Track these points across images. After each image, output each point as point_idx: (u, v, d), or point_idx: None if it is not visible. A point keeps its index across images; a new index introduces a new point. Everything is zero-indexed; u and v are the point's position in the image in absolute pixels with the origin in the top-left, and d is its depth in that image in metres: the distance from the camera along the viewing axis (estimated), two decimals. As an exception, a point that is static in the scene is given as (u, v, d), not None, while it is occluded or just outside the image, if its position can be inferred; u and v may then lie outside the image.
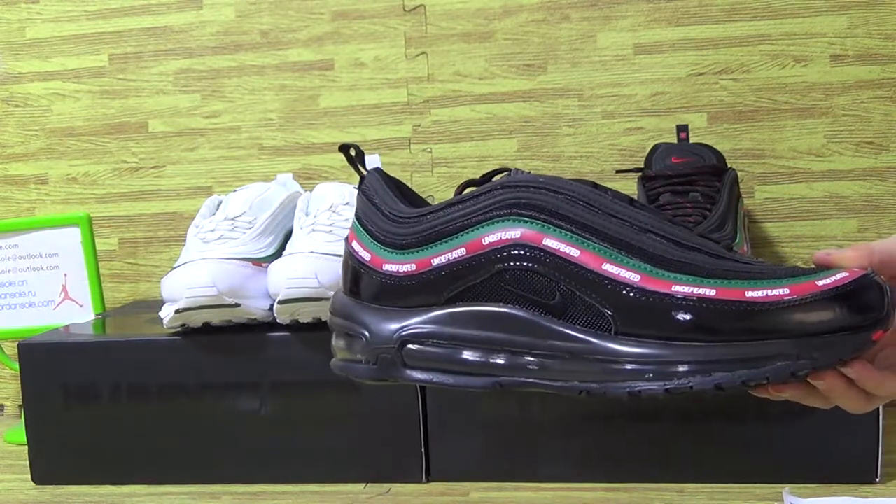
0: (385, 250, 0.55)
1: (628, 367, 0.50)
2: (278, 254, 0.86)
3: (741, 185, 0.96)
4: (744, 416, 0.78)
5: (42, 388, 0.88)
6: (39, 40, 1.13)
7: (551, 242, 0.51)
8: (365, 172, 0.58)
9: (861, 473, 0.77)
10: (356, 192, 0.92)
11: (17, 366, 0.92)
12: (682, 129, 0.96)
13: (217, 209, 0.92)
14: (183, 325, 0.84)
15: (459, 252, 0.53)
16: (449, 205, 0.55)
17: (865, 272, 0.47)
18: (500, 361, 0.52)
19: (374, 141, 1.07)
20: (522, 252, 0.52)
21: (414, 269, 0.54)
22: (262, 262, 0.85)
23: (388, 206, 0.56)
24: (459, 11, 1.04)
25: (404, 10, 1.05)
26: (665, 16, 1.01)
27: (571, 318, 0.51)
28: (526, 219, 0.52)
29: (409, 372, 0.54)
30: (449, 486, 0.83)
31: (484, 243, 0.52)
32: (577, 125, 1.03)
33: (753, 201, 1.00)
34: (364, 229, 0.56)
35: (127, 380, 0.86)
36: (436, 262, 0.53)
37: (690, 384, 0.48)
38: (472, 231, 0.53)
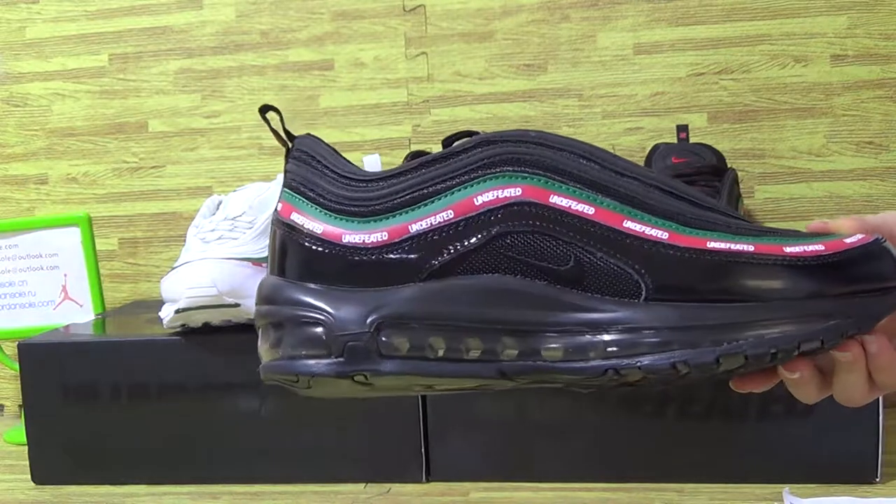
0: (342, 219, 0.46)
1: (667, 335, 0.43)
2: (278, 254, 0.86)
3: (741, 185, 0.96)
4: (744, 416, 0.78)
5: (42, 388, 0.87)
6: (39, 40, 1.12)
7: (560, 200, 0.45)
8: (289, 138, 0.50)
9: (861, 473, 0.77)
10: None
11: (17, 366, 0.92)
12: (682, 129, 0.96)
13: (217, 209, 0.92)
14: (183, 325, 0.84)
15: (446, 215, 0.45)
16: (422, 164, 0.47)
17: (876, 236, 0.45)
18: (502, 344, 0.44)
19: (374, 141, 1.07)
20: (527, 210, 0.45)
21: (385, 238, 0.45)
22: (262, 263, 0.84)
23: (340, 168, 0.48)
24: (459, 11, 1.04)
25: (404, 10, 1.05)
26: (665, 16, 1.01)
27: (591, 285, 0.44)
28: (525, 174, 0.45)
29: (385, 363, 0.45)
30: (449, 486, 0.83)
31: (476, 203, 0.45)
32: (577, 125, 1.03)
33: (753, 201, 1.00)
34: (305, 198, 0.47)
35: (127, 380, 0.86)
36: (415, 228, 0.45)
37: (745, 350, 0.43)
38: (461, 190, 0.45)
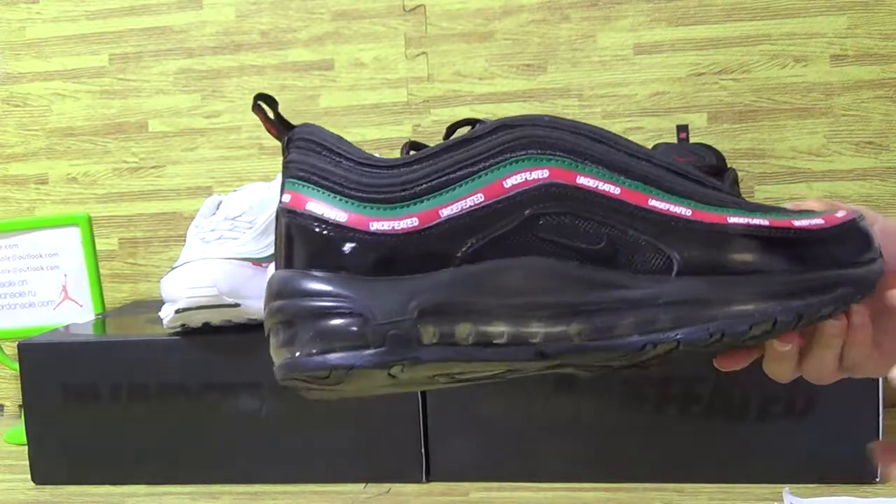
0: (368, 207, 0.45)
1: (700, 308, 0.45)
2: (278, 254, 0.86)
3: (741, 185, 0.96)
4: (744, 416, 0.78)
5: (42, 388, 0.87)
6: (39, 40, 1.12)
7: (586, 181, 0.45)
8: (286, 126, 0.48)
9: (861, 473, 0.77)
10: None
11: (17, 366, 0.92)
12: (682, 129, 0.96)
13: (217, 209, 0.92)
14: (183, 325, 0.84)
15: (476, 198, 0.44)
16: (443, 150, 0.46)
17: (857, 213, 0.48)
18: (539, 325, 0.44)
19: (374, 141, 1.07)
20: (556, 192, 0.45)
21: (416, 223, 0.44)
22: (262, 262, 0.84)
23: (355, 155, 0.47)
24: (459, 11, 1.04)
25: (404, 10, 1.05)
26: (665, 16, 1.01)
27: (624, 263, 0.45)
28: (551, 156, 0.45)
29: (424, 350, 0.44)
30: (449, 486, 0.83)
31: (506, 186, 0.45)
32: (577, 125, 1.03)
33: (753, 201, 1.00)
34: (321, 187, 0.46)
35: (127, 380, 0.86)
36: (445, 212, 0.44)
37: (775, 316, 0.45)
38: (488, 173, 0.45)
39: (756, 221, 0.46)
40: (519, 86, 1.04)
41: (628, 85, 1.02)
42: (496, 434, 0.82)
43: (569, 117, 1.08)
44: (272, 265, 0.82)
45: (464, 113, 1.05)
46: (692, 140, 0.97)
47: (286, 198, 0.46)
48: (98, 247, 1.04)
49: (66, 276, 1.02)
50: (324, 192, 0.46)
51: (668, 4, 1.00)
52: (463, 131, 0.50)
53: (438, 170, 0.46)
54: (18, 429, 0.99)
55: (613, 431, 0.81)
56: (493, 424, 0.82)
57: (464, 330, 0.44)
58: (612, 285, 0.45)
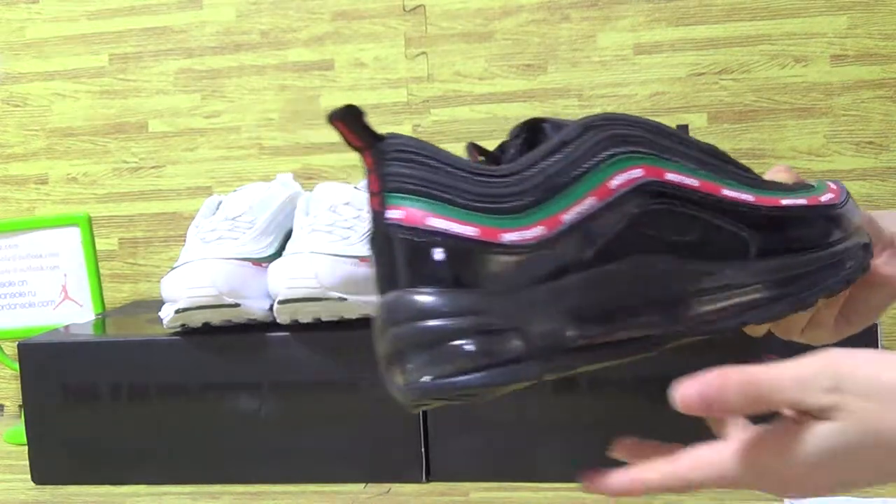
0: (496, 218, 0.44)
1: (781, 285, 0.49)
2: (278, 254, 0.86)
3: (741, 185, 0.96)
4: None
5: (42, 388, 0.88)
6: (39, 40, 1.13)
7: (672, 176, 0.47)
8: (372, 137, 0.46)
9: (861, 473, 0.77)
10: (358, 189, 0.93)
11: (17, 366, 0.92)
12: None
13: (217, 209, 0.92)
14: (183, 325, 0.84)
15: (590, 202, 0.44)
16: (542, 156, 0.46)
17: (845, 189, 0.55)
18: (661, 318, 0.46)
19: (374, 141, 1.06)
20: (653, 189, 0.46)
21: (543, 231, 0.44)
22: (262, 262, 0.84)
23: (462, 165, 0.46)
24: (459, 11, 1.04)
25: (404, 10, 1.05)
26: (665, 16, 1.01)
27: (713, 251, 0.47)
28: (639, 155, 0.46)
29: (575, 355, 0.44)
30: (449, 486, 0.83)
31: (612, 187, 0.45)
32: (577, 125, 1.03)
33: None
34: (441, 200, 0.44)
35: (127, 380, 0.86)
36: (566, 218, 0.44)
37: (832, 287, 0.50)
38: (594, 175, 0.45)
39: (800, 202, 0.50)
40: (519, 86, 1.04)
41: (628, 85, 1.02)
42: (496, 434, 0.82)
43: (568, 117, 1.08)
44: (272, 265, 0.83)
45: (464, 113, 1.05)
46: (692, 140, 0.97)
47: (396, 214, 0.44)
48: (98, 247, 1.04)
49: (66, 276, 1.02)
50: (446, 207, 0.44)
51: (668, 4, 1.00)
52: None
53: (548, 176, 0.45)
54: (18, 429, 0.99)
55: (613, 431, 0.80)
56: (493, 424, 0.82)
57: (606, 330, 0.45)
58: (709, 273, 0.47)
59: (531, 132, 0.50)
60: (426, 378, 0.43)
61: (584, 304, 0.44)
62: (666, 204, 0.46)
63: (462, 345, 0.43)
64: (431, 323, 0.43)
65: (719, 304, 0.47)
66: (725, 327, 0.48)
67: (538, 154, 0.46)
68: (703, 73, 1.00)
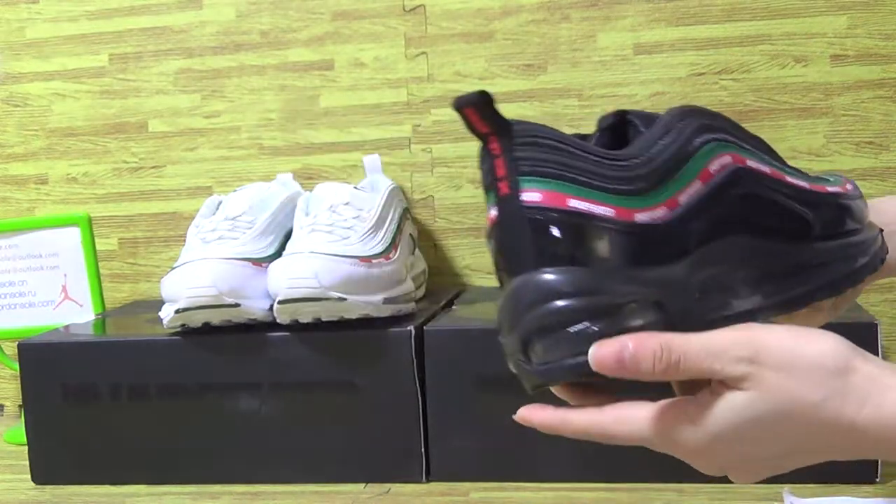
0: (626, 199, 0.46)
1: (840, 263, 0.53)
2: (278, 254, 0.86)
3: (741, 185, 0.96)
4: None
5: (42, 388, 0.88)
6: (39, 40, 1.12)
7: (752, 164, 0.50)
8: (505, 120, 0.47)
9: (861, 473, 0.77)
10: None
11: (17, 366, 0.92)
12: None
13: (217, 209, 0.92)
14: (183, 325, 0.84)
15: (697, 185, 0.47)
16: (650, 142, 0.48)
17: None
18: (763, 290, 0.49)
19: (374, 141, 1.07)
20: (744, 174, 0.49)
21: (666, 212, 0.46)
22: (262, 262, 0.84)
23: (590, 149, 0.48)
24: (459, 11, 1.04)
25: (404, 10, 1.05)
26: (665, 16, 1.01)
27: (787, 233, 0.51)
28: (725, 142, 0.49)
29: (709, 323, 0.47)
30: (449, 486, 0.83)
31: (711, 171, 0.48)
32: (577, 125, 1.03)
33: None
34: (578, 183, 0.46)
35: (127, 380, 0.86)
36: (682, 200, 0.47)
37: (874, 263, 0.54)
38: (696, 161, 0.48)
39: (835, 189, 0.54)
40: (519, 86, 1.04)
41: (628, 85, 1.02)
42: (496, 434, 0.82)
43: (568, 117, 1.09)
44: (272, 264, 0.83)
45: (464, 113, 1.05)
46: (692, 140, 0.97)
47: (535, 196, 0.45)
48: (98, 247, 1.04)
49: (66, 276, 1.02)
50: (583, 189, 0.46)
51: (668, 4, 1.00)
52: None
53: (663, 161, 0.47)
54: (18, 429, 0.99)
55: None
56: (493, 424, 0.82)
57: (730, 303, 0.48)
58: (791, 254, 0.50)
59: (618, 123, 0.52)
60: (569, 358, 0.45)
61: (707, 279, 0.47)
62: (753, 189, 0.49)
63: (626, 319, 0.45)
64: (570, 302, 0.45)
65: (809, 281, 0.51)
66: (800, 305, 0.51)
67: (649, 139, 0.48)
68: (703, 73, 1.00)
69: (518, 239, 0.46)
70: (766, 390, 0.43)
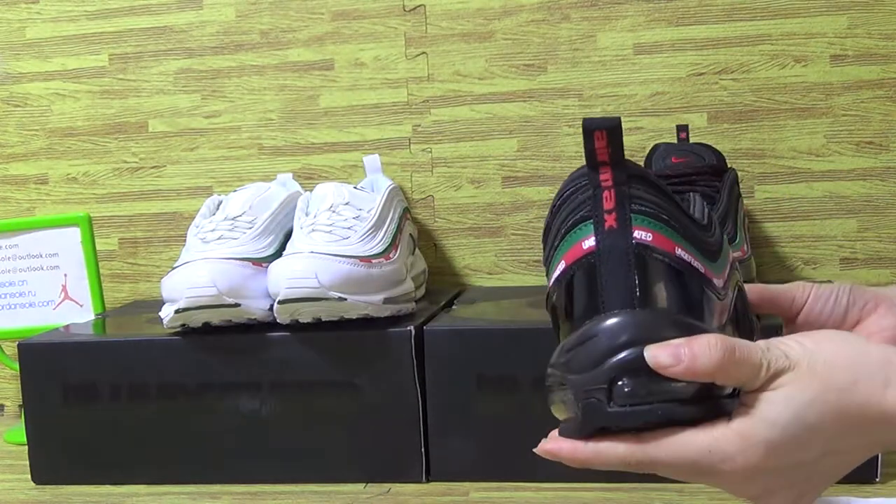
0: (708, 262, 0.48)
1: None
2: (278, 254, 0.86)
3: (741, 185, 0.96)
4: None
5: (42, 388, 0.87)
6: (39, 40, 1.12)
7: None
8: (623, 154, 0.47)
9: (861, 473, 0.77)
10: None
11: (17, 366, 0.92)
12: (682, 129, 0.96)
13: (217, 209, 0.92)
14: (183, 325, 0.84)
15: (731, 260, 0.51)
16: (724, 213, 0.52)
17: None
18: None
19: (374, 141, 1.07)
20: None
21: (722, 282, 0.49)
22: (262, 262, 0.84)
23: (681, 204, 0.49)
24: (459, 11, 1.04)
25: (404, 10, 1.05)
26: (665, 16, 1.01)
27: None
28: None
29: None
30: (449, 486, 0.83)
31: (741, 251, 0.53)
32: (577, 125, 1.03)
33: (753, 201, 1.00)
34: (682, 236, 0.47)
35: (127, 380, 0.86)
36: (727, 273, 0.49)
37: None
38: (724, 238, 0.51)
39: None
40: (519, 86, 1.04)
41: (628, 85, 1.02)
42: (496, 434, 0.82)
43: (568, 117, 1.09)
44: (272, 264, 0.83)
45: (464, 113, 1.05)
46: (692, 140, 0.97)
47: (646, 236, 0.46)
48: (98, 247, 1.04)
49: (66, 276, 1.02)
50: (686, 242, 0.47)
51: (668, 4, 1.00)
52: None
53: (720, 235, 0.50)
54: (18, 429, 0.99)
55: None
56: (493, 424, 0.82)
57: None
58: None
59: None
60: (662, 402, 0.44)
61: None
62: None
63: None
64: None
65: None
66: None
67: (714, 214, 0.51)
68: (703, 73, 1.00)
69: (621, 274, 0.45)
70: (803, 382, 0.44)
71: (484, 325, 0.84)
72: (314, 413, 0.84)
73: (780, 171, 1.00)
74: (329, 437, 0.84)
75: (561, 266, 0.47)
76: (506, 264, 1.05)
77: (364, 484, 0.84)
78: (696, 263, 0.46)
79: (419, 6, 1.05)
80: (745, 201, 0.97)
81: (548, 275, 0.49)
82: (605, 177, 0.46)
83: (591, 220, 0.46)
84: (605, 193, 0.46)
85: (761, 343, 0.46)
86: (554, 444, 0.48)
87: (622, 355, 0.44)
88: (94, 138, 1.12)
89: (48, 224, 1.03)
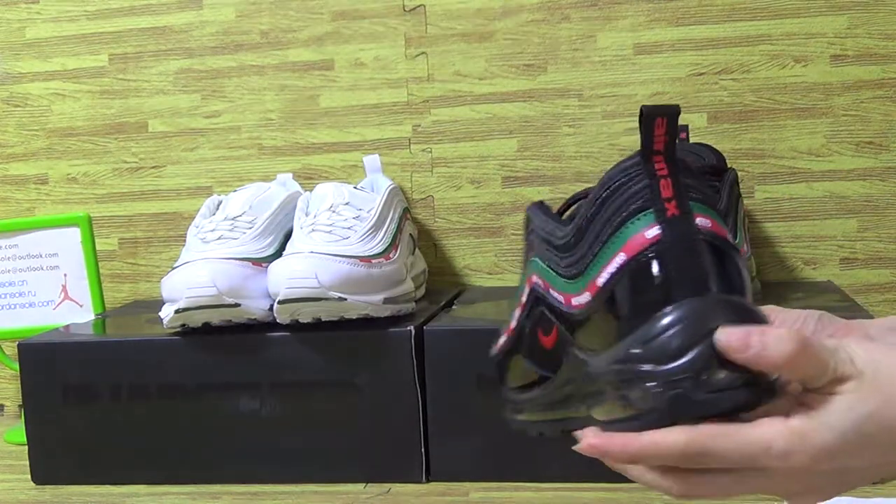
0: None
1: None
2: (278, 254, 0.86)
3: (741, 185, 0.96)
4: (744, 416, 0.78)
5: (42, 388, 0.88)
6: (39, 40, 1.12)
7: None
8: (674, 142, 0.47)
9: (861, 473, 0.77)
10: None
11: (17, 366, 0.92)
12: (682, 129, 0.96)
13: (217, 209, 0.92)
14: (183, 325, 0.84)
15: None
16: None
17: None
18: None
19: (374, 141, 1.07)
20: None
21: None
22: (262, 262, 0.84)
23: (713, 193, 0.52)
24: (459, 11, 1.04)
25: (404, 10, 1.05)
26: (665, 16, 1.01)
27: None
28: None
29: None
30: (449, 486, 0.83)
31: None
32: (577, 125, 1.03)
33: (753, 201, 1.00)
34: (723, 220, 0.48)
35: (127, 380, 0.86)
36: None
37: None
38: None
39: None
40: (519, 86, 1.04)
41: (628, 85, 1.02)
42: (496, 434, 0.82)
43: (568, 117, 1.09)
44: (272, 264, 0.83)
45: (464, 113, 1.05)
46: (692, 140, 0.97)
47: (706, 222, 0.46)
48: (98, 247, 1.04)
49: (66, 276, 1.02)
50: (726, 227, 0.47)
51: (668, 4, 1.00)
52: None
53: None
54: (18, 429, 0.99)
55: (613, 431, 0.80)
56: (493, 424, 0.82)
57: None
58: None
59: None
60: (745, 385, 0.44)
61: None
62: None
63: None
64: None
65: None
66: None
67: None
68: (703, 73, 1.00)
69: (691, 261, 0.45)
70: (866, 393, 0.44)
71: (484, 325, 0.84)
72: (314, 413, 0.84)
73: (780, 171, 1.00)
74: (329, 437, 0.84)
75: (620, 258, 0.46)
76: (506, 264, 1.05)
77: (364, 484, 0.84)
78: (740, 251, 0.47)
79: (419, 6, 1.05)
80: (745, 201, 0.97)
81: (587, 270, 0.48)
82: (661, 166, 0.46)
83: (652, 210, 0.46)
84: (663, 182, 0.46)
85: (829, 343, 0.45)
86: (602, 439, 0.46)
87: (710, 341, 0.44)
88: (94, 138, 1.12)
89: (48, 224, 1.03)
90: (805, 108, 0.99)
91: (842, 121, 0.98)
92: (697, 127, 1.00)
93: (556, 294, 0.50)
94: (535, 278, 0.53)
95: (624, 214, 0.46)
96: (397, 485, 0.83)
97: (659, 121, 0.46)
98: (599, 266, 0.47)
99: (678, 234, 0.45)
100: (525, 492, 0.81)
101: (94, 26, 1.11)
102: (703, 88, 1.01)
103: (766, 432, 0.44)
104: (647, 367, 0.44)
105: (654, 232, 0.45)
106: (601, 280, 0.47)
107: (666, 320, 0.44)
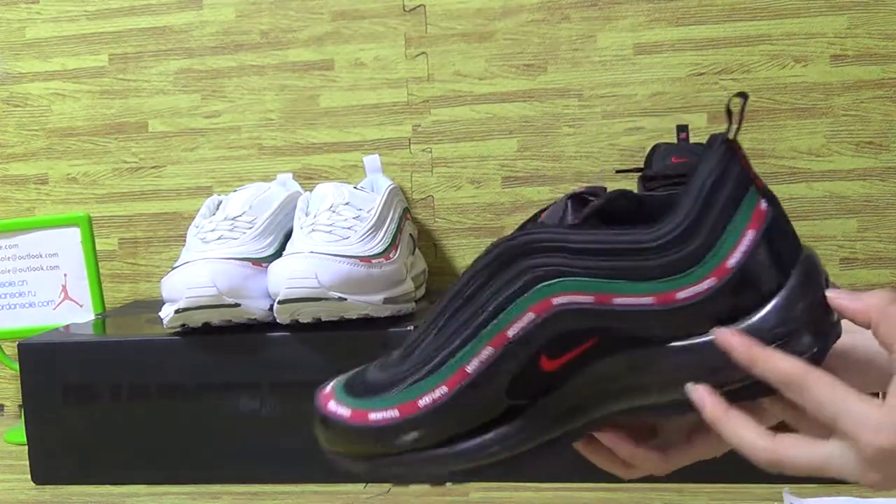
0: None
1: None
2: (278, 254, 0.86)
3: (741, 185, 0.96)
4: (744, 416, 0.78)
5: (42, 388, 0.88)
6: (39, 40, 1.13)
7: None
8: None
9: (861, 473, 0.77)
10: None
11: (17, 366, 0.92)
12: (682, 129, 0.96)
13: (217, 209, 0.92)
14: (183, 325, 0.84)
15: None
16: None
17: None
18: None
19: (374, 141, 1.07)
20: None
21: None
22: (262, 262, 0.84)
23: None
24: (459, 11, 1.04)
25: (404, 10, 1.05)
26: (665, 16, 1.01)
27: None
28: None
29: None
30: (449, 486, 0.83)
31: None
32: (577, 125, 1.03)
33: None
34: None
35: (127, 380, 0.86)
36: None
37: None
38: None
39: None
40: (519, 86, 1.04)
41: (628, 85, 1.02)
42: (496, 434, 0.82)
43: (568, 117, 1.09)
44: (272, 264, 0.83)
45: (464, 113, 1.05)
46: (692, 140, 0.97)
47: (767, 206, 0.51)
48: (98, 247, 1.04)
49: (66, 276, 1.02)
50: None
51: (668, 4, 1.00)
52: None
53: None
54: (18, 429, 0.99)
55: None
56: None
57: None
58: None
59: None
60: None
61: None
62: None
63: None
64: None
65: None
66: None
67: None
68: (703, 73, 1.00)
69: (790, 225, 0.51)
70: None
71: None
72: (314, 413, 0.84)
73: (780, 171, 1.00)
74: (329, 437, 0.84)
75: (749, 236, 0.49)
76: (506, 264, 1.05)
77: (364, 484, 0.84)
78: None
79: (419, 6, 1.05)
80: (745, 201, 0.97)
81: (706, 258, 0.49)
82: (738, 147, 0.53)
83: (753, 185, 0.51)
84: (744, 162, 0.53)
85: None
86: (735, 335, 0.47)
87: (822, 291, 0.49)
88: (94, 138, 1.12)
89: (48, 224, 1.03)
90: (805, 108, 0.99)
91: (842, 121, 0.98)
92: (697, 127, 1.00)
93: (630, 300, 0.48)
94: (561, 298, 0.48)
95: (737, 195, 0.51)
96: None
97: (743, 102, 0.51)
98: (727, 249, 0.49)
99: (775, 202, 0.51)
100: (525, 492, 0.81)
101: (94, 26, 1.11)
102: (703, 88, 1.01)
103: (866, 401, 0.45)
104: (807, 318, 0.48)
105: (763, 205, 0.50)
106: (733, 261, 0.49)
107: (808, 279, 0.49)
